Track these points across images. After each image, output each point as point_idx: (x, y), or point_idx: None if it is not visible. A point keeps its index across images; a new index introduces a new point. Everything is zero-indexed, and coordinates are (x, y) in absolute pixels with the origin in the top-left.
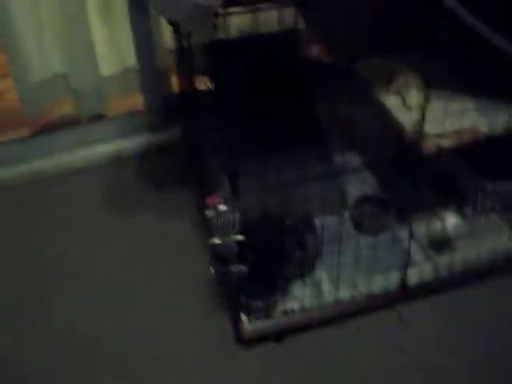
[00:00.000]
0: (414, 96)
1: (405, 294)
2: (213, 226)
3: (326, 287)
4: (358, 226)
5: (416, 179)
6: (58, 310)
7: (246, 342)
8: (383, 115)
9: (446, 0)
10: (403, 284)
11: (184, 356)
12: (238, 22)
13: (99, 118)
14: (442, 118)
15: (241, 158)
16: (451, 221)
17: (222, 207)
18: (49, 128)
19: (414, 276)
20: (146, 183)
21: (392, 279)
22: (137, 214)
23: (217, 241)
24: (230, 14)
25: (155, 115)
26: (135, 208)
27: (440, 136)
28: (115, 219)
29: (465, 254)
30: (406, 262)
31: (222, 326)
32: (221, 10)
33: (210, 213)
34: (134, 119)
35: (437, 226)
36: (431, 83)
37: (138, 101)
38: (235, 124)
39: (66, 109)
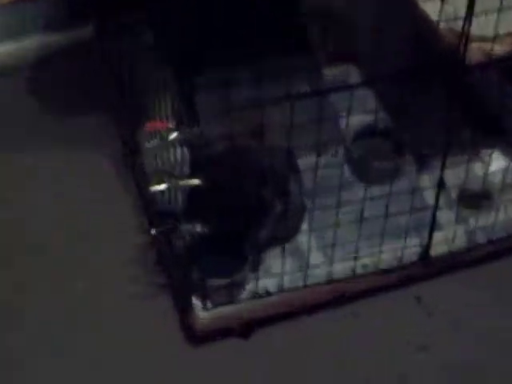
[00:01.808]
0: None
1: (426, 268)
2: (153, 164)
3: (315, 259)
4: (360, 170)
5: (448, 104)
6: None
7: (199, 337)
8: (400, 8)
9: None
10: (425, 255)
11: (114, 357)
12: None
13: None
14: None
15: (196, 67)
16: (495, 165)
17: (170, 135)
18: None
19: (439, 244)
20: (45, 100)
21: (409, 248)
22: (33, 143)
23: (159, 187)
24: None
25: (56, 8)
26: (30, 134)
27: (487, 41)
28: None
29: (510, 213)
30: (431, 225)
31: (165, 317)
32: None
33: (149, 143)
34: (27, 13)
35: (475, 172)
36: None
37: None
38: (184, 21)
39: None
